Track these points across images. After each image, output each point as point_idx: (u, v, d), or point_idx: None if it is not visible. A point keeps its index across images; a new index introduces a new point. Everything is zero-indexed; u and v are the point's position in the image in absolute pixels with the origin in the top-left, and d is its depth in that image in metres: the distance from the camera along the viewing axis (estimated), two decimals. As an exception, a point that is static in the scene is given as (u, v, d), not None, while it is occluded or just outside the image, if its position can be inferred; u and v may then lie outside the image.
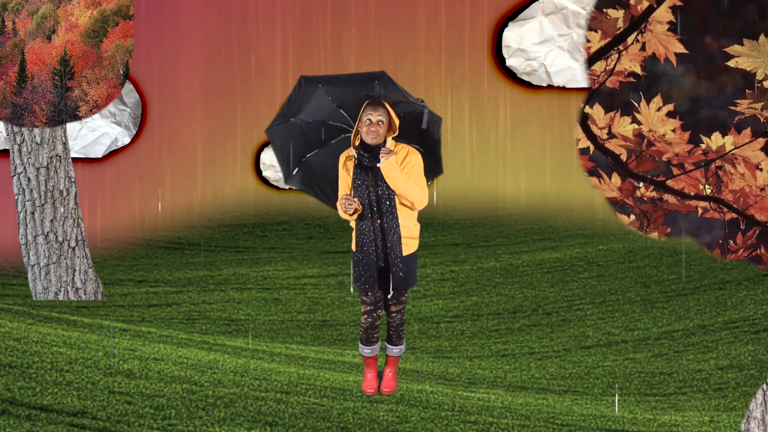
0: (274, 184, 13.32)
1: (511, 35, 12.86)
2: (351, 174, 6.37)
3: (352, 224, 6.46)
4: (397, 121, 6.34)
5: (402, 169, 6.31)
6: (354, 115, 6.42)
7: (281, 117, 6.48)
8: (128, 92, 13.03)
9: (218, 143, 13.33)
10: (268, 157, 13.31)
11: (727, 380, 9.66)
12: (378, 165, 6.32)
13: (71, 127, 12.94)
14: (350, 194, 6.31)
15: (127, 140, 13.22)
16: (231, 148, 13.31)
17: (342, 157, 6.40)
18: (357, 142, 6.35)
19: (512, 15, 12.87)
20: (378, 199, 6.35)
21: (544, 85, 12.89)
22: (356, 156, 6.35)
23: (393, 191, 6.35)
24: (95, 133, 13.23)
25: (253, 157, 13.29)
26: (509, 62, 12.91)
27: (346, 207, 6.30)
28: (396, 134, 6.37)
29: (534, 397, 8.93)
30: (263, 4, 13.08)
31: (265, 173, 13.28)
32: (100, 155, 13.21)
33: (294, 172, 6.55)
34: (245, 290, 12.09)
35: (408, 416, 7.70)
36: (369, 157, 6.33)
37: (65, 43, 12.64)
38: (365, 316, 6.54)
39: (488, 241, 13.38)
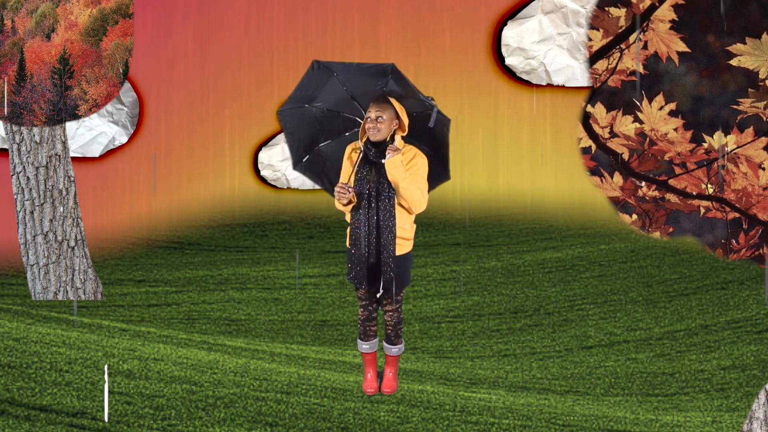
0: (272, 183, 13.29)
1: (510, 34, 12.83)
2: (355, 166, 6.34)
3: (348, 218, 6.44)
4: (405, 119, 6.29)
5: (406, 170, 6.26)
6: (366, 108, 6.40)
7: (294, 101, 6.41)
8: (125, 91, 13.00)
9: (216, 142, 13.30)
10: (266, 156, 13.28)
11: (730, 380, 9.64)
12: (383, 161, 6.28)
13: (68, 126, 12.91)
14: (346, 185, 6.27)
15: (124, 139, 13.19)
16: (229, 147, 13.29)
17: (348, 149, 6.39)
18: (365, 138, 6.34)
19: (512, 13, 12.85)
20: (377, 195, 6.32)
21: (544, 83, 12.86)
22: (362, 149, 6.33)
23: (393, 190, 6.32)
24: (92, 132, 13.20)
25: (251, 155, 13.26)
26: (508, 61, 12.89)
27: (339, 196, 6.27)
28: (405, 133, 6.33)
29: (536, 398, 8.91)
30: (261, 3, 13.05)
31: (263, 172, 13.25)
32: (97, 154, 13.18)
33: (304, 159, 6.51)
34: (245, 290, 12.06)
35: (409, 417, 7.68)
36: (375, 152, 6.30)
37: (64, 42, 12.60)
38: (361, 309, 6.53)
39: (489, 240, 13.36)
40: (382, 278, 6.33)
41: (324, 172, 6.57)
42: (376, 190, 6.31)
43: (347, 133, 6.51)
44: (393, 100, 6.27)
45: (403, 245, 6.36)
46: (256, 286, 12.17)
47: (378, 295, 6.41)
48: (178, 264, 12.87)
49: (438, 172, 6.43)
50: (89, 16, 12.59)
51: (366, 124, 6.28)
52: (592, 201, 12.50)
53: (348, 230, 6.44)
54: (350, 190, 6.25)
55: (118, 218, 13.23)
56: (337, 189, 6.27)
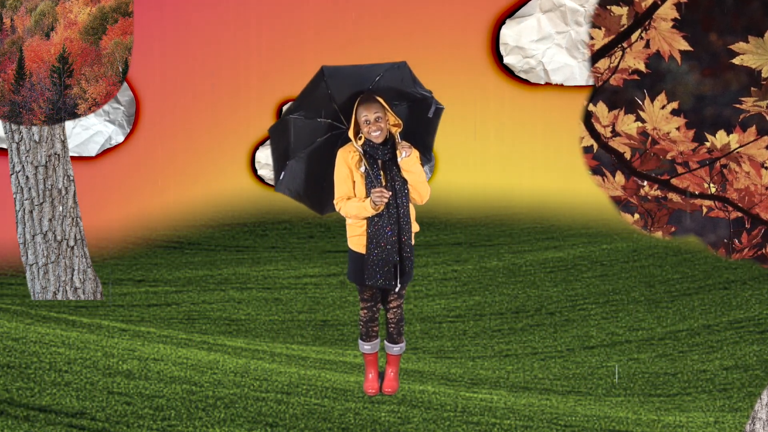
0: (270, 183, 13.27)
1: (508, 33, 12.81)
2: (361, 171, 6.30)
3: (352, 221, 6.39)
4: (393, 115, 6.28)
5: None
6: (346, 110, 6.29)
7: (284, 113, 6.35)
8: (122, 90, 12.98)
9: (214, 141, 13.28)
10: (264, 155, 13.25)
11: (732, 381, 9.61)
12: (399, 159, 6.26)
13: (65, 125, 12.88)
14: (384, 188, 6.21)
15: (120, 138, 13.16)
16: (227, 146, 13.26)
17: (344, 155, 6.31)
18: (360, 141, 6.28)
19: (510, 12, 12.83)
20: (395, 194, 6.32)
21: (542, 82, 12.84)
22: (365, 152, 6.27)
23: (406, 185, 6.31)
24: (89, 132, 13.17)
25: (249, 155, 13.24)
26: (507, 60, 12.87)
27: (383, 200, 6.22)
28: (401, 129, 6.33)
29: (537, 398, 8.89)
30: (259, 2, 13.04)
31: (260, 172, 13.22)
32: (93, 154, 13.15)
33: (281, 177, 6.41)
34: (245, 290, 12.04)
35: (410, 417, 7.66)
36: (384, 151, 6.27)
37: (64, 41, 12.57)
38: (365, 310, 6.52)
39: (491, 240, 13.33)
40: (402, 272, 6.34)
41: (299, 185, 6.44)
42: (393, 190, 6.30)
43: (319, 139, 6.37)
44: (379, 99, 6.23)
45: (413, 237, 6.42)
46: (256, 285, 12.14)
47: (397, 289, 6.40)
48: (178, 264, 12.84)
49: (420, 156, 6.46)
50: (88, 14, 12.56)
51: (364, 127, 6.22)
52: (593, 200, 12.47)
53: (351, 232, 6.38)
54: (390, 193, 6.22)
55: (117, 218, 13.20)
56: (377, 195, 6.20)
